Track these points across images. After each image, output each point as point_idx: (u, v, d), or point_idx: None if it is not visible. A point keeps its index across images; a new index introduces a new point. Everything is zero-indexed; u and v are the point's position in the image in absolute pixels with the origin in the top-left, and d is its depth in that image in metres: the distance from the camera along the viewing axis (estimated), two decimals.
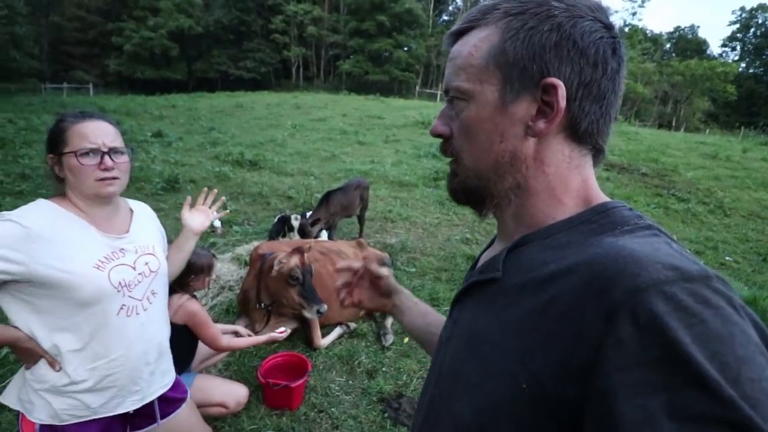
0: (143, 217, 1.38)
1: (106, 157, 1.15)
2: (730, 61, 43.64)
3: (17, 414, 1.21)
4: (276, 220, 4.41)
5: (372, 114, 14.34)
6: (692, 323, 0.34)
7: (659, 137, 13.38)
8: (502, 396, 0.44)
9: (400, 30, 34.63)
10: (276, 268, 2.46)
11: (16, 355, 1.16)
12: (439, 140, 0.59)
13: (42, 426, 1.17)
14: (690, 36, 50.55)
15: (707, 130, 26.75)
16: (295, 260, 2.46)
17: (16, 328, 1.12)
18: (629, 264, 0.39)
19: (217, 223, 4.73)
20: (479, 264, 0.63)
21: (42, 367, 1.14)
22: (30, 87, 23.12)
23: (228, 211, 1.06)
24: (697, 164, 9.74)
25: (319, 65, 39.48)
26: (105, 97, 19.05)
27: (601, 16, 0.50)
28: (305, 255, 2.51)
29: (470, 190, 0.57)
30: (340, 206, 4.35)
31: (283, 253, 2.52)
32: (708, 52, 48.81)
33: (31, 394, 1.17)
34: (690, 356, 0.33)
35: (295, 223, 4.11)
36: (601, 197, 0.53)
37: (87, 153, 1.13)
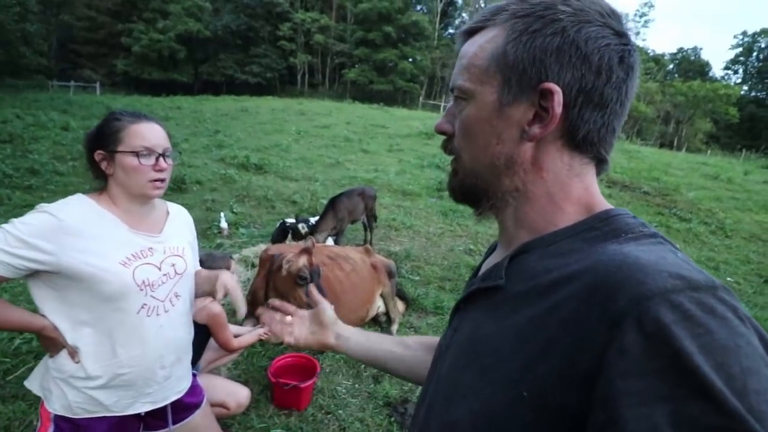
0: (178, 219, 1.39)
1: (161, 159, 1.18)
2: (732, 83, 44.17)
3: (40, 400, 1.23)
4: (278, 225, 4.45)
5: (376, 123, 14.46)
6: (699, 333, 0.33)
7: (661, 156, 13.52)
8: (500, 403, 0.44)
9: (406, 41, 35.00)
10: (284, 267, 2.48)
11: (40, 342, 1.19)
12: (442, 139, 0.60)
13: (56, 416, 1.19)
14: (693, 57, 51.13)
15: (709, 152, 26.92)
16: (303, 260, 2.49)
17: (43, 316, 1.15)
18: (634, 272, 0.38)
19: (224, 224, 4.77)
20: (481, 271, 0.61)
21: (63, 357, 1.17)
22: (37, 83, 23.24)
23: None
24: (698, 185, 9.84)
25: (325, 73, 39.82)
26: (111, 97, 19.17)
27: (612, 23, 0.49)
28: (313, 256, 2.54)
29: (468, 189, 0.57)
30: (347, 211, 4.39)
31: (291, 253, 2.55)
32: (710, 74, 49.32)
33: (51, 382, 1.19)
34: (696, 367, 0.32)
35: (304, 233, 4.15)
36: (605, 204, 0.53)
37: (145, 153, 1.15)
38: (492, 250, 0.67)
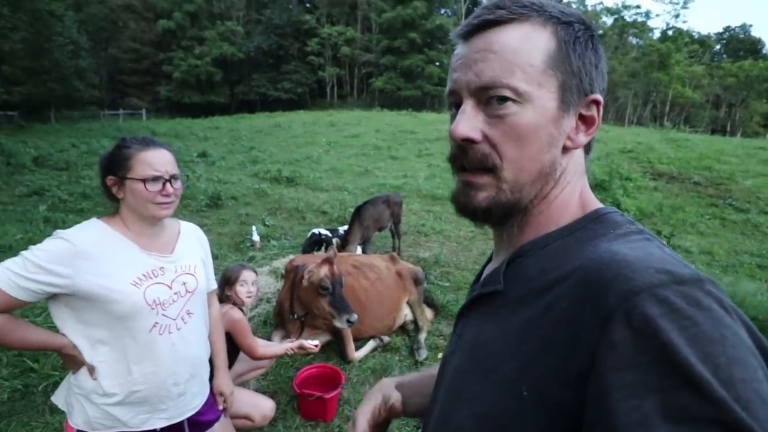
0: (190, 237, 1.43)
1: (168, 185, 1.23)
2: None
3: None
4: (309, 235, 4.52)
5: (405, 129, 14.46)
6: (685, 325, 0.34)
7: (712, 143, 12.56)
8: (502, 405, 0.44)
9: (432, 46, 34.95)
10: (306, 278, 2.51)
11: (62, 360, 1.25)
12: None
13: (78, 431, 1.24)
14: (742, 36, 47.62)
15: (767, 135, 24.82)
16: (324, 270, 2.50)
17: (63, 335, 1.21)
18: (622, 268, 0.39)
19: (256, 237, 4.90)
20: (482, 277, 0.62)
21: (83, 374, 1.22)
22: (91, 114, 25.17)
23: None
24: (756, 171, 9.04)
25: (353, 83, 40.43)
26: (156, 122, 20.43)
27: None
28: (335, 265, 2.55)
29: (506, 206, 0.51)
30: (372, 219, 4.39)
31: (313, 264, 2.57)
32: (764, 51, 45.71)
33: (73, 398, 1.25)
34: (683, 358, 0.33)
35: (337, 245, 4.20)
36: (595, 203, 0.54)
37: (152, 180, 1.21)
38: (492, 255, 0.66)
